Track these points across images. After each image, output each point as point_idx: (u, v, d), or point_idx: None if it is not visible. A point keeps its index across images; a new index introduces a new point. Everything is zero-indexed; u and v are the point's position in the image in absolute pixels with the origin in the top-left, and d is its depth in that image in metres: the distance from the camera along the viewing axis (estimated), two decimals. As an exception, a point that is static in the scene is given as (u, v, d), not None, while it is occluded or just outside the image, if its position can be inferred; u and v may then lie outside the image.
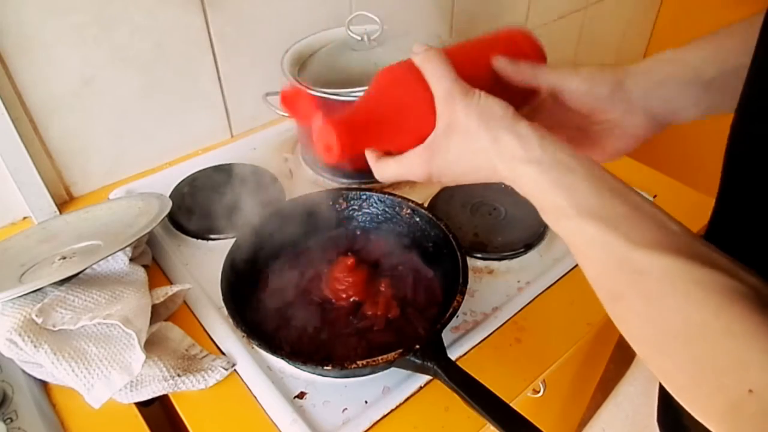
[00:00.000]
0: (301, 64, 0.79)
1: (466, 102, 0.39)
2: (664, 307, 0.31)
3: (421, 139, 0.42)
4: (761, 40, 0.34)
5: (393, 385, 0.56)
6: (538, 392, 0.67)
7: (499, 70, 0.45)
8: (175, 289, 0.59)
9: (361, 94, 0.70)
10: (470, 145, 0.39)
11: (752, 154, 0.37)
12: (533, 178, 0.36)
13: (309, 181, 0.82)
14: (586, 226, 0.34)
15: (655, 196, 0.78)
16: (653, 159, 0.84)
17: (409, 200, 0.67)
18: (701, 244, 0.32)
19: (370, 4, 0.91)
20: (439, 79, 0.40)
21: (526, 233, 0.71)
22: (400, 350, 0.50)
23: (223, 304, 0.56)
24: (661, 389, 0.56)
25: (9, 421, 0.50)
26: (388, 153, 0.45)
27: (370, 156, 0.46)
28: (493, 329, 0.61)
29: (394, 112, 0.42)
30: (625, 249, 0.32)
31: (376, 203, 0.69)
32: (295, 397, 0.55)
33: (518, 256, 0.69)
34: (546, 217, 0.37)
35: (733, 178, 0.40)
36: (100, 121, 0.76)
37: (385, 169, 0.45)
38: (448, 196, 0.77)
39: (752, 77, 0.36)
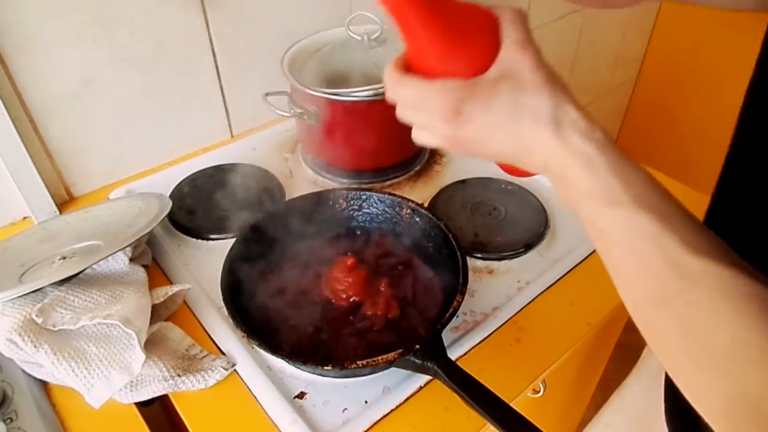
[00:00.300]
0: (301, 64, 0.79)
1: (538, 59, 0.36)
2: (715, 320, 0.29)
3: (462, 74, 0.37)
4: None
5: (393, 385, 0.56)
6: (538, 392, 0.67)
7: None
8: (175, 289, 0.59)
9: (360, 94, 0.71)
10: (524, 99, 0.35)
11: (756, 147, 0.37)
12: (589, 156, 0.33)
13: (309, 181, 0.82)
14: (640, 218, 0.31)
15: (655, 196, 0.78)
16: (653, 159, 0.85)
17: (409, 200, 0.67)
18: (740, 258, 0.30)
19: (370, 4, 0.91)
20: (517, 26, 0.36)
21: (526, 233, 0.71)
22: (400, 350, 0.50)
23: (223, 304, 0.56)
24: (667, 389, 0.56)
25: (9, 421, 0.50)
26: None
27: (392, 68, 0.39)
28: (493, 329, 0.61)
29: (460, 23, 0.37)
30: (681, 252, 0.30)
31: (376, 203, 0.69)
32: (295, 397, 0.55)
33: (518, 256, 0.69)
34: (586, 201, 0.34)
35: (735, 170, 0.39)
36: (100, 121, 0.76)
37: (403, 87, 0.38)
38: (447, 197, 0.77)
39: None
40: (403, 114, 0.40)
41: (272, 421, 0.52)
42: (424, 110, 0.38)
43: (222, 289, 0.57)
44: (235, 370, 0.57)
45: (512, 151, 0.37)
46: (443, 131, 0.38)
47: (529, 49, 0.36)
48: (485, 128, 0.36)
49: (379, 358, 0.49)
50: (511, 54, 0.36)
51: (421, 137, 0.40)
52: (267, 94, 0.76)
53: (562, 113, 0.34)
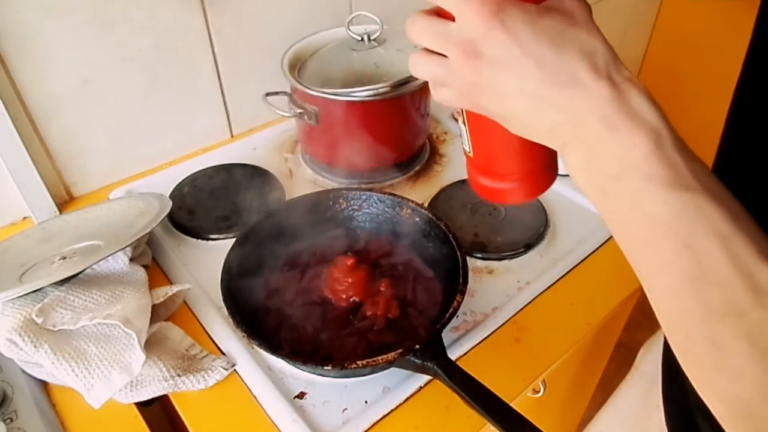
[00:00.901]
0: (301, 64, 0.79)
1: (591, 12, 0.31)
2: None
3: None
4: None
5: (393, 385, 0.56)
6: (538, 392, 0.67)
7: None
8: (175, 289, 0.59)
9: (360, 94, 0.71)
10: (576, 32, 0.29)
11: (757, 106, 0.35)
12: (653, 125, 0.27)
13: (309, 181, 0.82)
14: (711, 210, 0.26)
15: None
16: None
17: (409, 200, 0.67)
18: None
19: (370, 4, 0.91)
20: None
21: (526, 233, 0.71)
22: (400, 350, 0.50)
23: (223, 304, 0.56)
24: (665, 388, 0.56)
25: (9, 421, 0.50)
26: None
27: None
28: (493, 329, 0.61)
29: None
30: (755, 259, 0.26)
31: (376, 203, 0.69)
32: (295, 397, 0.55)
33: (518, 256, 0.69)
34: (635, 177, 0.28)
35: (738, 127, 0.38)
36: (99, 121, 0.76)
37: None
38: (447, 196, 0.77)
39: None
40: (416, 20, 0.33)
41: (272, 421, 0.52)
42: (462, 5, 0.29)
43: (222, 289, 0.57)
44: (235, 370, 0.57)
45: (543, 84, 0.29)
46: (470, 32, 0.29)
47: (583, 0, 0.31)
48: (521, 45, 0.29)
49: (379, 358, 0.49)
50: None
51: (423, 63, 0.33)
52: (267, 94, 0.76)
53: (616, 67, 0.29)
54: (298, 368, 0.57)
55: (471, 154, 0.39)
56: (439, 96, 0.34)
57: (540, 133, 0.31)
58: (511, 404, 0.47)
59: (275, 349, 0.52)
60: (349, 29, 0.77)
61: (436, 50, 0.32)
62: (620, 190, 0.28)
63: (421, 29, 0.32)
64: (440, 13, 0.32)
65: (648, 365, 0.68)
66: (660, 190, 0.27)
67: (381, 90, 0.70)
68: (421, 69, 0.33)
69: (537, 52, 0.29)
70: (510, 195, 0.38)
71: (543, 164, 0.38)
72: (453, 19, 0.31)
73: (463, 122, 0.38)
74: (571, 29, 0.29)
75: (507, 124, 0.33)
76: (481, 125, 0.36)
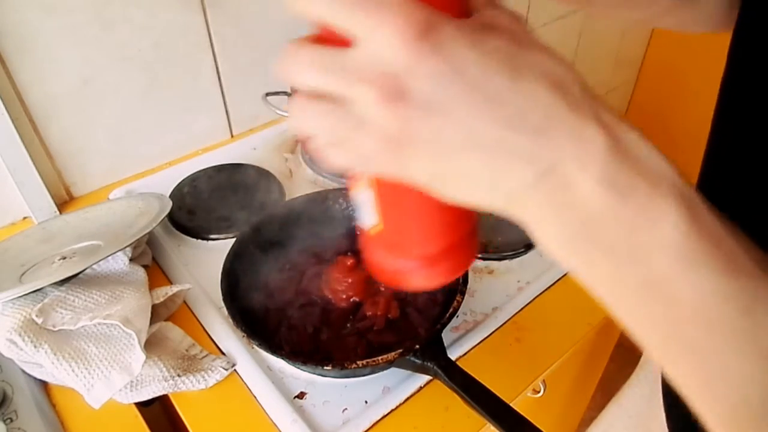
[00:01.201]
0: (301, 64, 0.79)
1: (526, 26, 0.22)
2: None
3: None
4: None
5: (393, 385, 0.56)
6: (538, 392, 0.67)
7: None
8: (175, 289, 0.59)
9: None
10: (528, 55, 0.21)
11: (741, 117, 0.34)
12: (676, 184, 0.20)
13: (309, 181, 0.82)
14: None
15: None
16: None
17: (409, 200, 0.67)
18: None
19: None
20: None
21: (526, 233, 0.71)
22: (400, 350, 0.50)
23: (223, 304, 0.56)
24: (665, 393, 0.56)
25: (9, 421, 0.50)
26: None
27: None
28: (493, 329, 0.61)
29: None
30: None
31: (376, 203, 0.69)
32: (295, 397, 0.55)
33: (518, 256, 0.69)
34: (670, 259, 0.20)
35: (722, 138, 0.37)
36: (99, 121, 0.76)
37: None
38: (448, 196, 0.77)
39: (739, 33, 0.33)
40: (295, 50, 0.22)
41: (272, 421, 0.52)
42: (372, 21, 0.20)
43: (222, 289, 0.57)
44: (235, 370, 0.57)
45: (503, 129, 0.20)
46: (387, 62, 0.20)
47: (514, 13, 0.23)
48: (464, 75, 0.20)
49: (379, 358, 0.49)
50: (490, 10, 0.22)
51: (310, 112, 0.22)
52: (267, 94, 0.76)
53: (598, 101, 0.21)
54: (298, 368, 0.57)
55: (378, 229, 0.29)
56: (337, 159, 0.23)
57: (499, 199, 0.22)
58: (511, 404, 0.47)
59: (275, 349, 0.52)
60: (349, 29, 0.77)
61: (330, 92, 0.21)
62: (644, 278, 0.20)
63: (304, 62, 0.22)
64: (329, 39, 0.22)
65: (652, 365, 0.68)
66: (715, 280, 0.20)
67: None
68: (307, 121, 0.23)
69: (488, 84, 0.20)
70: (435, 276, 0.30)
71: (470, 232, 0.30)
72: (350, 46, 0.21)
73: (368, 187, 0.27)
74: (524, 51, 0.21)
75: (444, 189, 0.23)
76: (397, 192, 0.26)
